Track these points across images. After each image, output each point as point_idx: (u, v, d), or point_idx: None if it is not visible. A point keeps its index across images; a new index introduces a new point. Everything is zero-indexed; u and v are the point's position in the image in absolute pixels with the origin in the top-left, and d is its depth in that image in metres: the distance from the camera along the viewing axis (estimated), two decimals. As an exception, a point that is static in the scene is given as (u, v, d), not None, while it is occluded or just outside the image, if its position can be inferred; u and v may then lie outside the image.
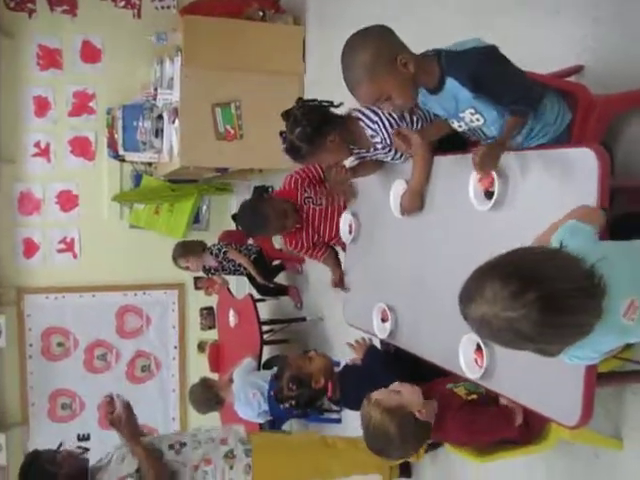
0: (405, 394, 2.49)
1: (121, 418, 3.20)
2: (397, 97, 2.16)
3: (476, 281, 1.53)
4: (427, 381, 2.74)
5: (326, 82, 2.95)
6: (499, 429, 2.52)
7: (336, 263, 3.48)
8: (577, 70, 2.76)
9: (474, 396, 2.63)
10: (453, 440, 2.68)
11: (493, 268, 1.53)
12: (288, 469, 3.72)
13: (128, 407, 3.28)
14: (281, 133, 2.68)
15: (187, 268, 5.36)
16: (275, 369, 3.84)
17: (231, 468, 3.38)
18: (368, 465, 3.79)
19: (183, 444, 3.37)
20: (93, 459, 3.34)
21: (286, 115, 2.66)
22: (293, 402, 3.26)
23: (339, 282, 3.38)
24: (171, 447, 3.34)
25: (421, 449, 3.71)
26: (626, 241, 1.76)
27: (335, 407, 3.55)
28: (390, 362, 3.07)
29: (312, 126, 2.59)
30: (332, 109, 2.69)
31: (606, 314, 1.53)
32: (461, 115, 2.25)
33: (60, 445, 3.35)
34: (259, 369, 4.91)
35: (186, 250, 5.28)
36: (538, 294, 1.44)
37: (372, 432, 2.44)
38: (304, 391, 3.21)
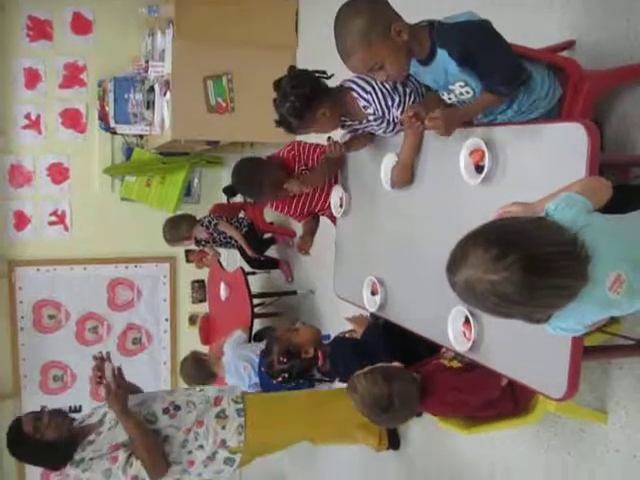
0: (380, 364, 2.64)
1: (110, 389, 3.16)
2: (390, 65, 2.16)
3: (460, 249, 1.55)
4: (416, 358, 2.79)
5: (319, 55, 2.94)
6: (485, 388, 2.56)
7: (311, 229, 3.49)
8: (569, 45, 2.75)
9: (458, 364, 2.69)
10: (442, 404, 2.71)
11: (476, 235, 1.55)
12: (281, 431, 3.74)
13: (118, 375, 3.23)
14: (274, 101, 2.65)
15: (180, 243, 5.35)
16: (265, 342, 3.86)
17: (223, 428, 3.39)
18: (359, 431, 3.84)
19: (177, 407, 3.37)
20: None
21: (277, 85, 2.63)
22: (286, 375, 3.27)
23: (303, 246, 3.43)
24: (165, 411, 3.34)
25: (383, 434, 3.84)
26: (616, 215, 1.77)
27: (325, 378, 3.56)
28: (388, 339, 3.09)
29: (301, 101, 2.56)
30: (324, 80, 2.67)
31: (592, 285, 1.55)
32: (451, 87, 2.25)
33: (43, 408, 3.31)
34: (250, 341, 4.95)
35: (179, 235, 5.21)
36: (519, 256, 1.45)
37: (370, 394, 2.53)
38: (295, 363, 3.23)
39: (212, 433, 3.37)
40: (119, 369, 3.27)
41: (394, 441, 4.02)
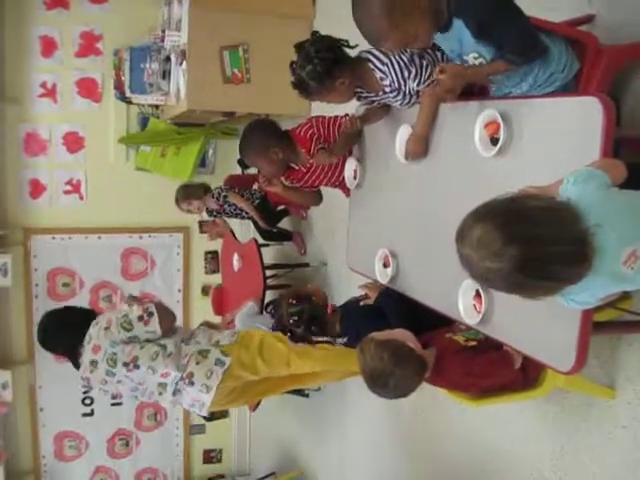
0: (397, 333, 2.58)
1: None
2: (422, 33, 2.11)
3: (470, 220, 1.58)
4: (426, 330, 2.79)
5: (336, 26, 2.91)
6: (497, 372, 2.57)
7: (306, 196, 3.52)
8: (588, 20, 2.72)
9: (473, 343, 2.68)
10: (452, 384, 2.73)
11: (487, 212, 1.57)
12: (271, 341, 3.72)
13: None
14: (291, 64, 2.64)
15: (189, 211, 5.40)
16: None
17: (197, 364, 3.36)
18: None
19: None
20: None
21: (299, 48, 2.62)
22: (296, 318, 3.23)
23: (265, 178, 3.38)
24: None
25: None
26: (634, 190, 1.77)
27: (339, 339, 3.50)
28: (401, 306, 3.08)
29: (324, 66, 2.55)
30: (345, 49, 2.66)
31: (604, 260, 1.56)
32: (465, 58, 2.24)
33: None
34: (261, 313, 4.97)
35: (188, 193, 5.33)
36: (517, 252, 1.48)
37: (370, 365, 2.51)
38: (305, 306, 3.22)
39: (207, 336, 3.49)
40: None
41: None
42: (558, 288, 1.57)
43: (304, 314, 3.19)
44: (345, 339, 3.25)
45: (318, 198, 4.00)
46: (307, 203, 3.37)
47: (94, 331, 3.37)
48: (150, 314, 3.33)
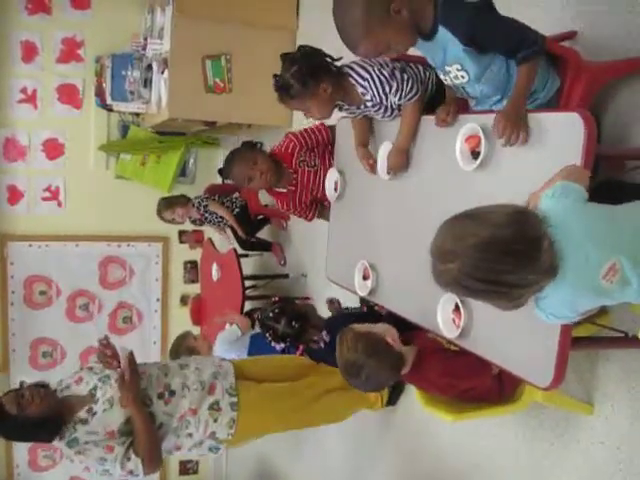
0: (379, 327, 2.62)
1: (125, 378, 3.15)
2: (396, 44, 2.13)
3: (434, 239, 1.65)
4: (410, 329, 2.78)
5: (319, 38, 2.92)
6: (475, 376, 2.56)
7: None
8: (570, 36, 2.74)
9: (456, 348, 2.68)
10: (429, 384, 2.70)
11: (444, 223, 1.65)
12: (274, 425, 3.77)
13: (132, 362, 3.21)
14: (274, 76, 2.64)
15: (173, 220, 5.39)
16: None
17: (215, 421, 3.39)
18: (355, 403, 3.91)
19: (172, 392, 3.34)
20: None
21: (284, 56, 2.63)
22: (277, 310, 3.22)
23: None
24: (160, 396, 3.32)
25: (383, 393, 3.83)
26: (611, 205, 1.78)
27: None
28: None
29: (309, 68, 2.56)
30: (330, 61, 2.66)
31: (582, 274, 1.58)
32: (447, 69, 2.24)
33: (22, 384, 3.25)
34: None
35: (171, 202, 5.33)
36: (477, 239, 1.54)
37: (345, 356, 2.53)
38: (287, 304, 3.26)
39: (203, 424, 3.38)
40: (131, 354, 3.25)
41: (393, 397, 4.03)
42: (511, 294, 1.60)
43: (286, 311, 3.17)
44: (327, 335, 3.22)
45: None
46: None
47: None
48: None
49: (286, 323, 3.19)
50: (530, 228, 1.56)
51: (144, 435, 3.18)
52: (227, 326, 4.66)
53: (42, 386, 3.24)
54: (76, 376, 3.38)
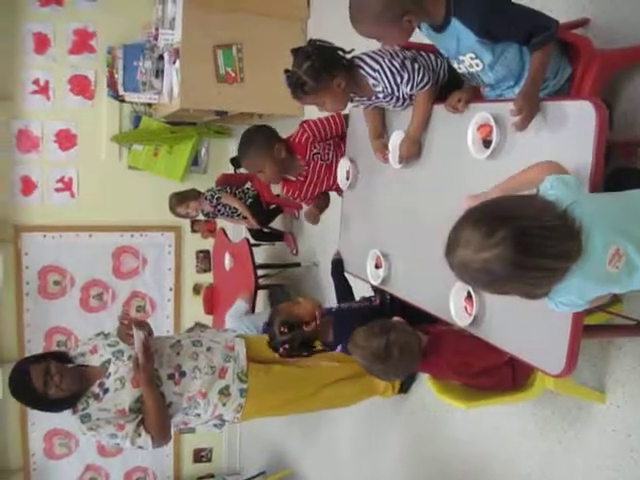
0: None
1: (138, 361, 3.20)
2: (390, 41, 2.31)
3: (453, 232, 1.58)
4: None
5: (330, 29, 2.92)
6: (491, 355, 2.55)
7: (320, 201, 3.43)
8: (583, 23, 2.73)
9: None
10: (444, 369, 2.70)
11: (465, 217, 1.58)
12: (281, 410, 3.82)
13: (147, 348, 3.23)
14: (286, 71, 2.63)
15: (187, 214, 5.39)
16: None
17: (223, 405, 3.44)
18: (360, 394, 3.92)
19: (183, 373, 3.38)
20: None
21: (296, 51, 2.61)
22: (287, 346, 3.24)
23: (309, 213, 3.37)
24: (170, 377, 3.36)
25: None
26: (613, 192, 1.79)
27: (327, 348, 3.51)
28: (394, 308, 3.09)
29: (322, 63, 2.54)
30: (342, 54, 2.65)
31: (590, 259, 1.57)
32: (461, 58, 2.25)
33: (47, 356, 3.28)
34: (252, 312, 4.98)
35: (184, 196, 5.32)
36: (508, 231, 1.47)
37: (368, 346, 2.56)
38: (296, 334, 3.20)
39: (212, 407, 3.44)
40: (146, 338, 3.28)
41: (406, 385, 4.05)
42: (559, 269, 1.54)
43: (295, 341, 3.13)
44: (340, 348, 3.23)
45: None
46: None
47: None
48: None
49: (297, 355, 3.22)
50: (552, 206, 1.55)
51: (155, 415, 3.25)
52: (235, 304, 4.78)
53: (65, 359, 3.31)
54: (91, 344, 3.44)
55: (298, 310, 3.22)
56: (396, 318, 2.73)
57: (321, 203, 3.43)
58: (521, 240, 1.47)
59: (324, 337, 3.18)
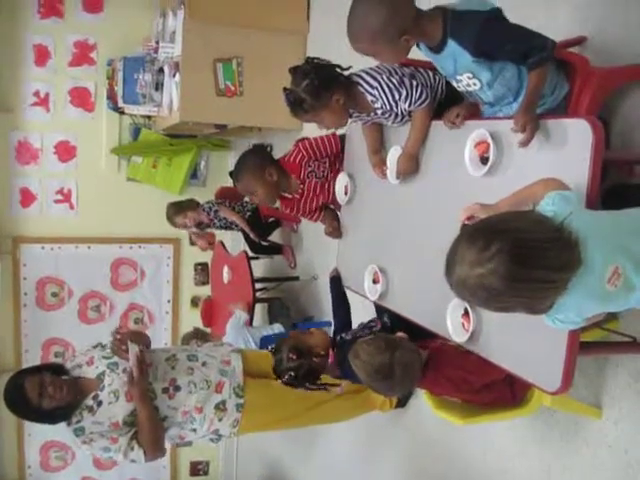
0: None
1: (132, 375, 3.20)
2: (387, 61, 2.34)
3: (451, 250, 1.58)
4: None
5: (329, 43, 2.94)
6: (490, 371, 2.54)
7: (332, 216, 3.41)
8: (579, 41, 2.75)
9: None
10: (444, 385, 2.68)
11: (461, 235, 1.59)
12: (277, 424, 3.81)
13: (140, 362, 3.23)
14: (285, 90, 2.64)
15: (184, 225, 5.39)
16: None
17: (219, 420, 3.43)
18: (360, 405, 3.92)
19: (177, 388, 3.37)
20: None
21: (294, 70, 2.62)
22: (292, 373, 3.15)
23: (332, 231, 3.36)
24: (165, 391, 3.34)
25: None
26: (612, 210, 1.80)
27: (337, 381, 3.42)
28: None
29: (320, 80, 2.55)
30: (339, 71, 2.66)
31: (590, 273, 1.57)
32: (459, 77, 2.27)
33: (41, 369, 3.29)
34: (250, 325, 4.99)
35: (182, 206, 5.34)
36: (503, 244, 1.47)
37: (371, 362, 2.52)
38: (304, 362, 3.07)
39: (208, 422, 3.42)
40: (141, 351, 3.28)
41: (403, 399, 4.03)
42: (558, 280, 1.52)
43: (301, 370, 3.04)
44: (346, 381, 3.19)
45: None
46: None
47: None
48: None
49: (299, 384, 3.12)
50: (548, 220, 1.56)
51: (147, 429, 3.24)
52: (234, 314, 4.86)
53: (60, 371, 3.31)
54: (88, 356, 3.43)
55: (309, 339, 3.17)
56: (400, 333, 2.70)
57: (331, 217, 3.42)
58: (516, 252, 1.47)
59: (331, 373, 3.14)
